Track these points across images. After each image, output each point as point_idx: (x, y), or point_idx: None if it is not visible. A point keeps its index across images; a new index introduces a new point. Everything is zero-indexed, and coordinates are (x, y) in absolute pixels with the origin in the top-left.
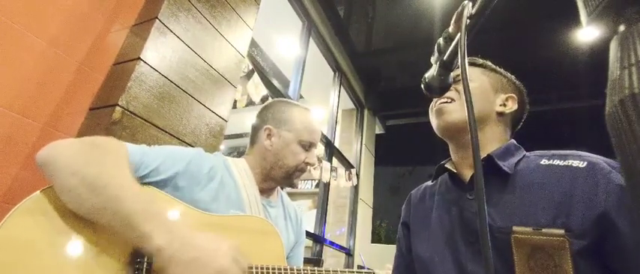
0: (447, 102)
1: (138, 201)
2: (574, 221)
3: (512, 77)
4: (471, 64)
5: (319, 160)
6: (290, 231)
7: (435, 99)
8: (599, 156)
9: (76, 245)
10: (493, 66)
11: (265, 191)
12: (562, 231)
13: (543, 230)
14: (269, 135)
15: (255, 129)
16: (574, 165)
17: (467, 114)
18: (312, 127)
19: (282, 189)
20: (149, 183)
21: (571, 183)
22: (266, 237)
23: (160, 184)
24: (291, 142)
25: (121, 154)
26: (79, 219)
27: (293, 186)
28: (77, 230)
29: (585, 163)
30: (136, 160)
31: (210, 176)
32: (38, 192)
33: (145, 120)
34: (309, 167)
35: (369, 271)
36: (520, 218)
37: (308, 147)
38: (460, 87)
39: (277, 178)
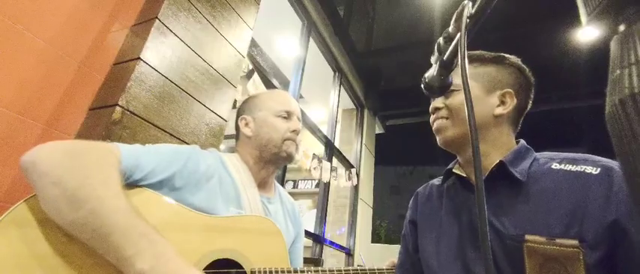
0: (440, 118)
1: (121, 218)
2: (588, 231)
3: (507, 59)
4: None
5: (319, 160)
6: (290, 226)
7: (431, 109)
8: (612, 161)
9: (62, 260)
10: (483, 56)
11: (263, 184)
12: (576, 242)
13: (557, 240)
14: (247, 124)
15: (236, 126)
16: (587, 171)
17: (468, 117)
18: (281, 98)
19: (279, 168)
20: (145, 186)
21: (584, 190)
22: (268, 237)
23: (157, 186)
24: (267, 117)
25: (110, 162)
26: (65, 231)
27: (290, 157)
28: (64, 244)
29: (599, 169)
30: (130, 163)
31: (208, 175)
32: (22, 201)
33: (145, 120)
34: (297, 135)
35: (372, 269)
36: (532, 226)
37: (286, 116)
38: (449, 100)
39: (271, 158)
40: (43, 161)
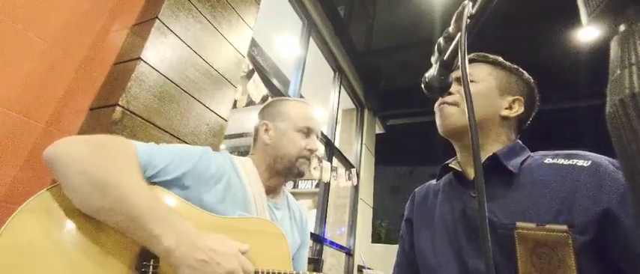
0: (449, 103)
1: (146, 202)
2: (577, 217)
3: (524, 74)
4: (482, 60)
5: (319, 160)
6: (295, 232)
7: (440, 98)
8: (602, 156)
9: (81, 247)
10: (504, 62)
11: (272, 190)
12: (565, 227)
13: (546, 226)
14: (266, 130)
15: (256, 129)
16: (578, 164)
17: (467, 116)
18: (306, 115)
19: (289, 181)
20: (157, 183)
21: (574, 181)
22: (272, 239)
23: (168, 184)
24: (288, 131)
25: (130, 154)
26: (85, 219)
27: (301, 174)
28: (83, 231)
29: (589, 162)
30: (144, 160)
31: (218, 176)
32: (45, 190)
33: (146, 120)
34: (313, 154)
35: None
36: (523, 214)
37: (306, 133)
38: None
39: (282, 171)
40: (68, 153)
